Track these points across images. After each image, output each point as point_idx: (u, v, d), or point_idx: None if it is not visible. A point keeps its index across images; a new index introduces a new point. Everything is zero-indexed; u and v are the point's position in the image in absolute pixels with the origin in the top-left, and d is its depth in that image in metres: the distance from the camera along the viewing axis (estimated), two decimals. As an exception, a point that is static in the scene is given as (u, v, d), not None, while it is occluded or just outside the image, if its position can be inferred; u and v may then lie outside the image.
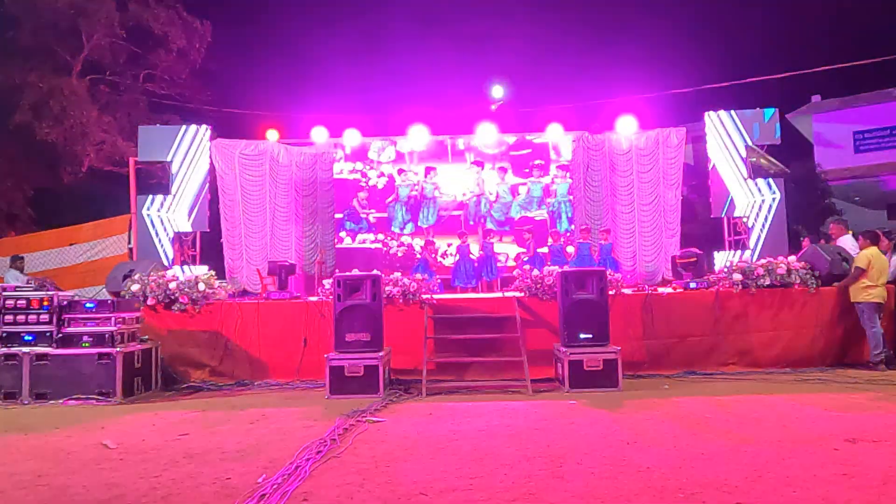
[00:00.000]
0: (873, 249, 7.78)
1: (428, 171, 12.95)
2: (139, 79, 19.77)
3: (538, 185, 12.88)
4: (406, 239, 12.86)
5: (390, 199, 12.98)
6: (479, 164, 12.95)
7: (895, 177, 20.43)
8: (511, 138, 13.11)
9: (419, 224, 12.82)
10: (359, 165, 13.07)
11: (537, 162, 12.96)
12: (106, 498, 3.61)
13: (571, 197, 12.73)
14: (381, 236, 12.89)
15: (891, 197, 21.14)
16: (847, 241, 8.66)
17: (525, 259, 11.77)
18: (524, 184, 12.93)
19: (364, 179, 13.02)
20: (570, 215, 12.70)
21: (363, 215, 12.94)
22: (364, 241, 12.90)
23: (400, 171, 13.00)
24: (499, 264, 12.00)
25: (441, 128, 13.21)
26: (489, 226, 12.68)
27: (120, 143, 17.90)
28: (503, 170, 12.93)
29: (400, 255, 12.75)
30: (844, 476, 3.65)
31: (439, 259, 12.15)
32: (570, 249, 11.77)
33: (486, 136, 12.67)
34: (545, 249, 12.06)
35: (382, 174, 13.07)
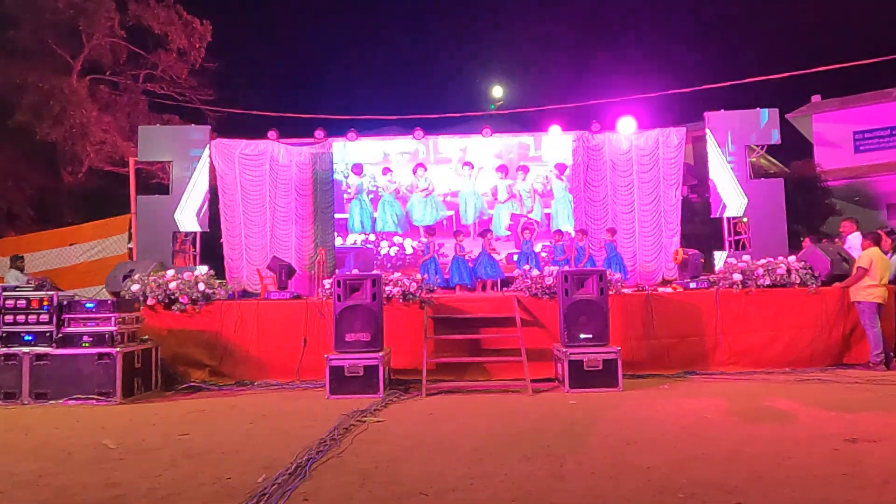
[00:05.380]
0: (875, 249, 7.78)
1: (417, 168, 12.90)
2: (139, 79, 19.78)
3: (527, 183, 12.86)
4: (398, 239, 12.84)
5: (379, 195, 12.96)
6: (471, 164, 12.92)
7: (895, 177, 20.44)
8: (510, 139, 13.09)
9: (414, 223, 12.80)
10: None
11: (526, 162, 12.94)
12: (106, 498, 3.61)
13: (570, 196, 12.72)
14: (372, 236, 12.86)
15: (891, 197, 21.16)
16: (856, 239, 8.69)
17: (515, 258, 11.79)
18: (515, 182, 12.90)
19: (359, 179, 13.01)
20: (568, 214, 12.69)
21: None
22: (355, 242, 12.86)
23: (385, 171, 12.96)
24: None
25: (440, 128, 13.19)
26: (496, 226, 12.67)
27: (120, 143, 17.90)
28: (501, 168, 12.90)
29: (392, 254, 12.73)
30: (844, 476, 3.65)
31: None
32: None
33: (487, 136, 12.66)
34: (538, 248, 12.05)
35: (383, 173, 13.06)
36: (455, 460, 4.17)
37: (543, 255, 11.83)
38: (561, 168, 12.84)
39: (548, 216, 12.88)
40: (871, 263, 7.61)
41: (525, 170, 12.87)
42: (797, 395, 6.20)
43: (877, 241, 8.00)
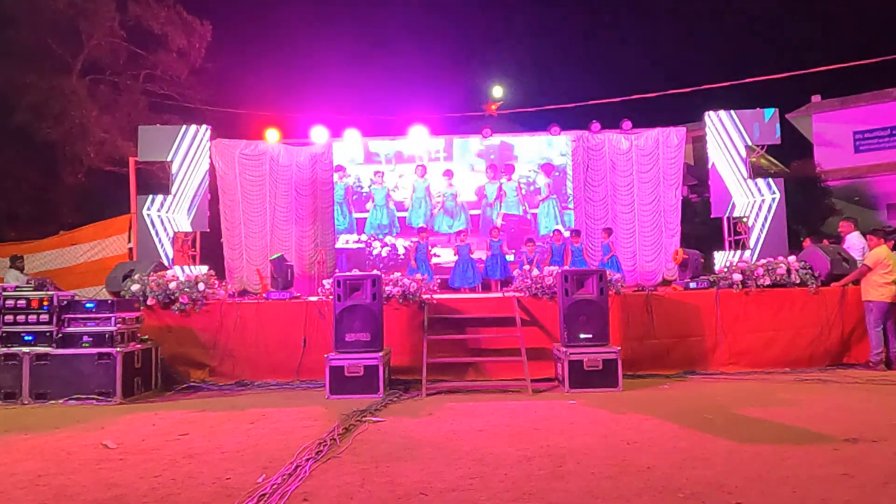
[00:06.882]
0: (884, 247, 7.68)
1: (417, 168, 12.92)
2: (139, 79, 19.75)
3: (514, 183, 12.88)
4: (389, 239, 12.85)
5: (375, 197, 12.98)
6: (451, 172, 12.94)
7: (895, 177, 20.45)
8: (502, 139, 13.09)
9: (409, 223, 12.81)
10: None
11: (512, 162, 12.97)
12: (106, 498, 3.61)
13: (554, 197, 12.75)
14: (363, 236, 12.87)
15: (891, 197, 21.18)
16: (855, 239, 8.65)
17: (511, 259, 11.84)
18: (503, 183, 12.92)
19: (356, 180, 13.03)
20: (555, 214, 12.70)
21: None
22: (347, 242, 12.87)
23: (377, 173, 12.97)
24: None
25: (440, 129, 13.20)
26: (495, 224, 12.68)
27: (120, 143, 17.89)
28: (492, 168, 12.90)
29: (384, 255, 12.74)
30: (844, 476, 3.65)
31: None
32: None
33: (487, 137, 12.66)
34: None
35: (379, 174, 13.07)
36: (455, 460, 4.17)
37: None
38: (547, 168, 12.85)
39: (534, 216, 12.90)
40: (876, 262, 7.56)
41: (510, 169, 12.90)
42: (797, 395, 6.20)
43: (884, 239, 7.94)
